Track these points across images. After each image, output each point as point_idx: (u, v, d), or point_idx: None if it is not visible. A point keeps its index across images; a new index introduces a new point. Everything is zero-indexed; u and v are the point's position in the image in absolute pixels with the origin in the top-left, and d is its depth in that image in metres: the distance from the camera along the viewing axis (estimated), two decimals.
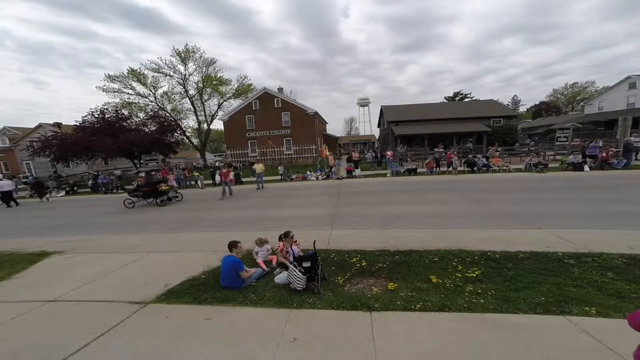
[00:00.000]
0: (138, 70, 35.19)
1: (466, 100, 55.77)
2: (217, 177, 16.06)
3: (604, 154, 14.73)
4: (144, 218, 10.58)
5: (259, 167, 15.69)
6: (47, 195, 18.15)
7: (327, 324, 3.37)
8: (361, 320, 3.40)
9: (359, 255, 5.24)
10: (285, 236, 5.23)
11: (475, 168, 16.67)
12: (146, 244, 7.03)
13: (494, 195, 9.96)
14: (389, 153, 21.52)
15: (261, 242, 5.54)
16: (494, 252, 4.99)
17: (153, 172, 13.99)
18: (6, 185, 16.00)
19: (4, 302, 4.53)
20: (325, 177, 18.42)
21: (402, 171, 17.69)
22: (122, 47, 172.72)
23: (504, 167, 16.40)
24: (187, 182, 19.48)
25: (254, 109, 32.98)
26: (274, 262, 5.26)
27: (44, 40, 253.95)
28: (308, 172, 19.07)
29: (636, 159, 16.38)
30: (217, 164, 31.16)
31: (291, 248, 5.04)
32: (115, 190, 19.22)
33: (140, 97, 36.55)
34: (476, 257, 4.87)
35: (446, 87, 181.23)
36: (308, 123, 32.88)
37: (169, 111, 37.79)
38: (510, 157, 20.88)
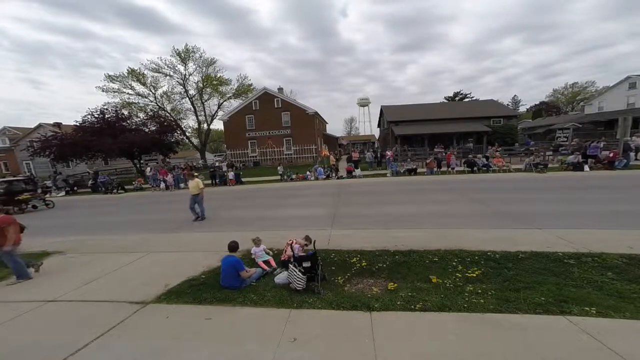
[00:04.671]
0: (138, 70, 35.17)
1: (466, 100, 55.76)
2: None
3: (611, 155, 14.71)
4: (144, 218, 10.59)
5: (192, 186, 9.41)
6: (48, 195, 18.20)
7: (327, 324, 3.37)
8: (361, 320, 3.40)
9: (359, 255, 5.24)
10: (306, 239, 5.22)
11: (475, 168, 16.68)
12: (146, 244, 7.03)
13: (494, 195, 9.96)
14: (389, 153, 21.52)
15: (258, 242, 5.53)
16: (494, 252, 4.99)
17: (15, 182, 15.27)
18: None
19: (4, 302, 4.53)
20: (325, 177, 18.42)
21: (402, 171, 17.70)
22: (119, 46, 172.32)
23: (504, 167, 16.41)
24: (187, 182, 19.45)
25: (254, 109, 32.96)
26: (272, 264, 5.26)
27: (40, 40, 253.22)
28: (308, 172, 19.07)
29: (636, 159, 16.40)
30: (216, 163, 31.14)
31: (291, 247, 5.04)
32: (115, 191, 19.23)
33: (140, 97, 36.54)
34: (476, 257, 4.87)
35: (446, 87, 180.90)
36: (308, 123, 32.87)
37: (169, 111, 37.76)
38: (510, 157, 20.89)
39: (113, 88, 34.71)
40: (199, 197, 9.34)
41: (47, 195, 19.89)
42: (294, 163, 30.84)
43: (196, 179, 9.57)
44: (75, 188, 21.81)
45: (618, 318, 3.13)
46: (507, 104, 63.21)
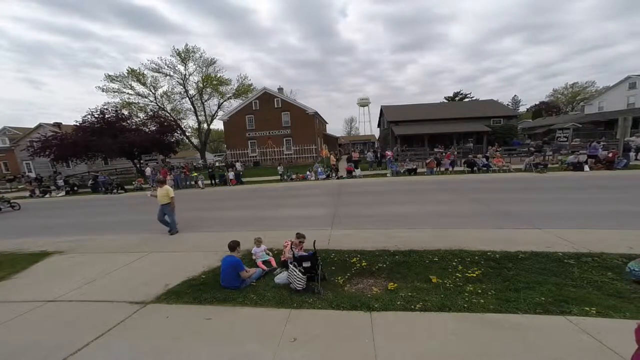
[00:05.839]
0: (138, 70, 35.13)
1: (466, 100, 55.74)
2: None
3: (610, 155, 14.72)
4: (145, 218, 10.57)
5: (162, 194, 7.84)
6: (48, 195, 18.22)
7: (327, 324, 3.37)
8: (361, 320, 3.40)
9: (359, 255, 5.24)
10: (298, 237, 5.18)
11: (475, 168, 16.68)
12: (146, 244, 7.03)
13: (494, 195, 9.96)
14: (389, 153, 21.50)
15: (259, 242, 5.54)
16: (494, 252, 4.99)
17: None
18: None
19: (4, 302, 4.53)
20: (325, 177, 18.41)
21: (402, 171, 17.70)
22: (119, 46, 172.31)
23: (504, 167, 16.41)
24: (187, 182, 19.50)
25: (254, 109, 32.96)
26: (273, 264, 5.26)
27: (39, 40, 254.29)
28: (308, 172, 19.06)
29: (636, 159, 16.41)
30: (217, 163, 31.10)
31: (292, 248, 5.04)
32: (115, 191, 19.23)
33: (140, 97, 36.48)
34: (476, 257, 4.87)
35: (446, 87, 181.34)
36: (308, 123, 32.86)
37: (169, 111, 37.74)
38: (510, 157, 20.89)
39: (113, 88, 34.67)
40: (168, 207, 7.91)
41: (47, 195, 19.95)
42: (294, 163, 30.84)
43: (165, 187, 8.01)
44: (75, 188, 21.81)
45: (618, 318, 3.13)
46: (507, 104, 63.15)
